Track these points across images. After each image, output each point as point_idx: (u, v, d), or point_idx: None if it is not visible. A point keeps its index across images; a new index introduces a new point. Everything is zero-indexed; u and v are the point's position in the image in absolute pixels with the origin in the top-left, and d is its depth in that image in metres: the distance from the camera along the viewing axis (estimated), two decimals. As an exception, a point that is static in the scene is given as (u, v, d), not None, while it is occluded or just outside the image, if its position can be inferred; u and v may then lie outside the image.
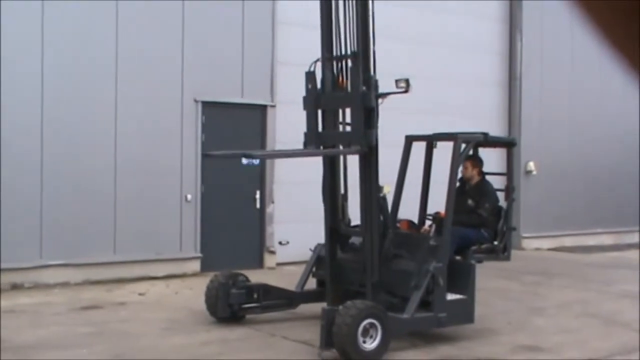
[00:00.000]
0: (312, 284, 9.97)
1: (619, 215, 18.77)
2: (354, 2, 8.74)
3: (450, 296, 8.63)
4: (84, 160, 11.90)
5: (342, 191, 9.34)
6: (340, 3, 8.88)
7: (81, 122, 11.89)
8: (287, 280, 10.53)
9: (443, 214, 9.20)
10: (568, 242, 17.98)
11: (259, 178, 13.70)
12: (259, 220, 13.73)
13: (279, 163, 13.74)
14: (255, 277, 10.45)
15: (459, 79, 16.39)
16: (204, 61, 12.94)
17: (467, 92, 16.49)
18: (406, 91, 8.93)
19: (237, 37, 13.32)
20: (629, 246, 17.84)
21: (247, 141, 13.00)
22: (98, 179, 12.04)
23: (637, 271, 12.92)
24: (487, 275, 10.99)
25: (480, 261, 9.30)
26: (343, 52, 8.88)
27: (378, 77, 8.71)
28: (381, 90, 8.75)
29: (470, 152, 9.60)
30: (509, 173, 10.04)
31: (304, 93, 9.08)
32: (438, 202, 9.55)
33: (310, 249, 10.03)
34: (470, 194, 9.79)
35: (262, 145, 13.50)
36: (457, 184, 9.49)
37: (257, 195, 13.66)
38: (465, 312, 8.75)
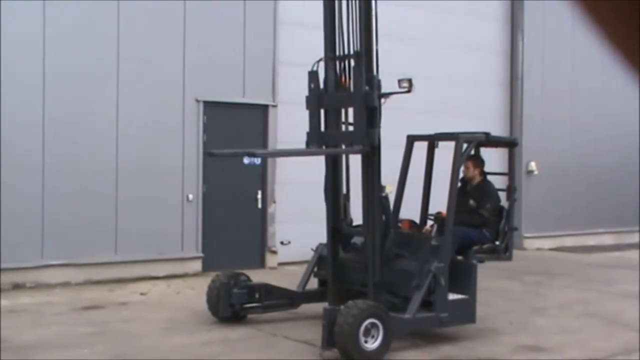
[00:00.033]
0: (313, 283, 9.96)
1: (620, 215, 18.76)
2: (358, 1, 8.75)
3: (452, 296, 8.63)
4: (85, 160, 11.91)
5: (344, 191, 9.34)
6: (344, 3, 8.88)
7: (82, 122, 11.90)
8: (289, 280, 10.53)
9: (445, 213, 9.20)
10: (569, 242, 17.97)
11: (261, 178, 13.70)
12: (261, 220, 13.73)
13: (281, 163, 13.74)
14: (257, 277, 10.45)
15: (461, 79, 16.39)
16: (206, 61, 12.95)
17: (468, 92, 16.50)
18: (409, 91, 8.93)
19: (239, 37, 13.32)
20: (630, 246, 17.82)
21: (249, 141, 12.99)
22: (99, 179, 12.04)
23: (638, 271, 12.91)
24: (488, 275, 10.98)
25: (481, 261, 9.30)
26: (346, 52, 8.88)
27: (380, 77, 8.71)
28: (384, 90, 8.75)
29: (472, 152, 9.60)
30: (511, 173, 10.04)
31: (305, 93, 9.09)
32: (440, 202, 9.54)
33: (312, 249, 10.03)
34: (471, 194, 9.78)
35: (264, 145, 13.50)
36: (459, 184, 9.49)
37: (259, 195, 13.67)
38: (466, 312, 8.74)
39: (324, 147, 9.05)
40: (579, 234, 18.19)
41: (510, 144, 10.36)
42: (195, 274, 12.68)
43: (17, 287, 11.24)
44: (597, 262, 15.77)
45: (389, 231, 8.90)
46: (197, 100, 12.90)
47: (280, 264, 13.64)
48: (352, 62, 8.79)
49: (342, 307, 7.86)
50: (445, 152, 9.70)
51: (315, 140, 8.97)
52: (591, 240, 18.30)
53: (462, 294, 8.71)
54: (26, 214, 11.43)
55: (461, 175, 9.61)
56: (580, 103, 18.31)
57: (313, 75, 9.00)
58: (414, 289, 8.43)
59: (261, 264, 13.61)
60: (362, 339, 7.71)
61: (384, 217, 8.84)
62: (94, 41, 11.97)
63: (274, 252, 13.79)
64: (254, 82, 13.48)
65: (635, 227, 18.52)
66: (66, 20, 11.68)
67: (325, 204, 9.24)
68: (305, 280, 9.87)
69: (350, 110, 8.93)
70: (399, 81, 8.93)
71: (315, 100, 8.98)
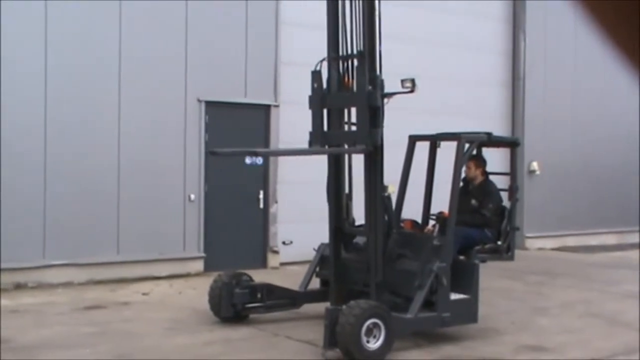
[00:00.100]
0: (315, 283, 9.97)
1: (622, 215, 18.75)
2: (361, 1, 8.75)
3: (454, 296, 8.63)
4: (87, 160, 11.91)
5: (347, 191, 9.34)
6: (347, 3, 8.89)
7: (84, 122, 11.90)
8: (291, 280, 10.53)
9: (446, 213, 9.20)
10: (571, 242, 17.97)
11: (263, 178, 13.71)
12: (263, 220, 13.74)
13: (283, 163, 13.74)
14: (259, 276, 10.46)
15: (463, 79, 16.39)
16: (208, 61, 12.95)
17: (470, 92, 16.49)
18: (412, 91, 8.93)
19: (241, 37, 13.32)
20: (632, 246, 17.80)
21: (251, 141, 13.00)
22: (101, 179, 12.04)
23: (639, 271, 12.91)
24: (490, 275, 10.98)
25: (483, 261, 9.30)
26: (349, 52, 8.88)
27: (383, 77, 8.72)
28: (387, 90, 8.76)
29: (474, 152, 9.60)
30: (513, 173, 10.04)
31: (307, 93, 9.10)
32: (441, 202, 9.54)
33: (314, 249, 10.03)
34: (473, 194, 9.78)
35: (266, 145, 13.50)
36: (461, 183, 9.49)
37: (261, 195, 13.67)
38: (468, 312, 8.74)
39: (326, 146, 9.05)
40: (580, 234, 18.19)
41: (512, 144, 10.36)
42: (197, 274, 12.69)
43: (19, 287, 11.25)
44: (599, 262, 15.77)
45: (391, 231, 8.89)
46: (199, 100, 12.91)
47: (282, 264, 13.65)
48: (355, 62, 8.80)
49: (344, 307, 7.86)
50: (447, 152, 9.71)
51: (318, 140, 8.97)
52: (593, 240, 18.30)
53: (464, 293, 8.71)
54: (28, 214, 11.44)
55: (463, 175, 9.61)
56: (582, 103, 18.30)
57: (316, 75, 9.01)
58: (416, 289, 8.43)
59: (263, 263, 13.61)
60: (364, 338, 7.70)
61: (386, 217, 8.84)
62: (95, 41, 11.98)
63: (276, 252, 13.79)
64: (255, 82, 13.48)
65: (638, 227, 18.49)
66: (67, 20, 11.68)
67: (328, 204, 9.24)
68: (307, 280, 9.87)
69: (353, 110, 8.94)
70: (402, 81, 8.94)
71: (318, 100, 8.99)
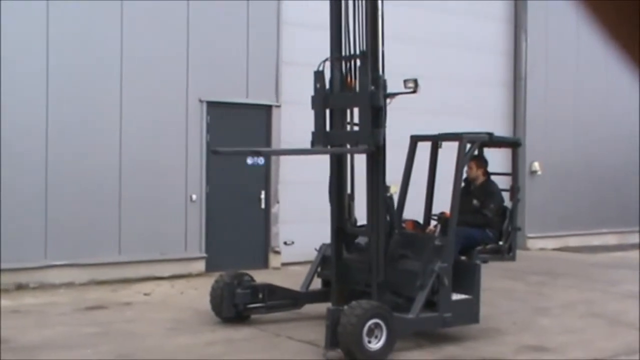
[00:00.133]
0: (317, 284, 9.97)
1: (624, 215, 18.74)
2: (364, 1, 8.75)
3: (456, 296, 8.62)
4: (88, 160, 11.92)
5: (349, 191, 9.34)
6: (350, 3, 8.89)
7: (85, 122, 11.90)
8: (292, 280, 10.53)
9: (448, 214, 9.19)
10: (573, 242, 17.96)
11: (264, 178, 13.71)
12: (264, 220, 13.74)
13: (284, 163, 13.74)
14: (260, 277, 10.46)
15: (464, 79, 16.39)
16: (209, 61, 12.95)
17: (471, 92, 16.49)
18: (414, 91, 8.93)
19: (242, 37, 13.32)
20: (634, 246, 17.78)
21: (252, 141, 13.00)
22: (103, 179, 12.05)
23: (639, 271, 12.92)
24: (492, 276, 10.97)
25: (485, 261, 9.29)
26: (352, 52, 8.88)
27: (385, 77, 8.72)
28: (389, 90, 8.75)
29: (476, 152, 9.60)
30: (514, 173, 10.04)
31: (309, 93, 9.09)
32: (443, 202, 9.54)
33: (316, 249, 10.02)
34: (475, 194, 9.78)
35: (267, 145, 13.49)
36: (462, 184, 9.49)
37: (262, 195, 13.67)
38: (470, 312, 8.74)
39: (329, 146, 9.05)
40: (582, 234, 18.18)
41: (513, 144, 10.36)
42: (199, 274, 12.69)
43: (20, 287, 11.25)
44: (601, 262, 15.76)
45: (393, 231, 8.89)
46: (201, 101, 12.91)
47: (284, 264, 13.65)
48: (358, 62, 8.80)
49: (345, 307, 7.86)
50: (448, 152, 9.70)
51: (321, 140, 8.97)
52: (595, 241, 18.29)
53: (465, 294, 8.71)
54: (29, 214, 11.44)
55: (464, 175, 9.61)
56: (584, 103, 18.30)
57: (319, 75, 9.00)
58: (417, 289, 8.42)
59: (265, 264, 13.61)
60: (366, 339, 7.70)
61: (388, 218, 8.84)
62: (96, 41, 11.98)
63: (278, 252, 13.79)
64: (257, 82, 13.48)
65: (639, 228, 18.48)
66: (69, 20, 11.68)
67: (330, 204, 9.24)
68: (309, 280, 9.86)
69: (356, 110, 8.93)
70: (405, 81, 8.94)
71: (321, 100, 8.98)
